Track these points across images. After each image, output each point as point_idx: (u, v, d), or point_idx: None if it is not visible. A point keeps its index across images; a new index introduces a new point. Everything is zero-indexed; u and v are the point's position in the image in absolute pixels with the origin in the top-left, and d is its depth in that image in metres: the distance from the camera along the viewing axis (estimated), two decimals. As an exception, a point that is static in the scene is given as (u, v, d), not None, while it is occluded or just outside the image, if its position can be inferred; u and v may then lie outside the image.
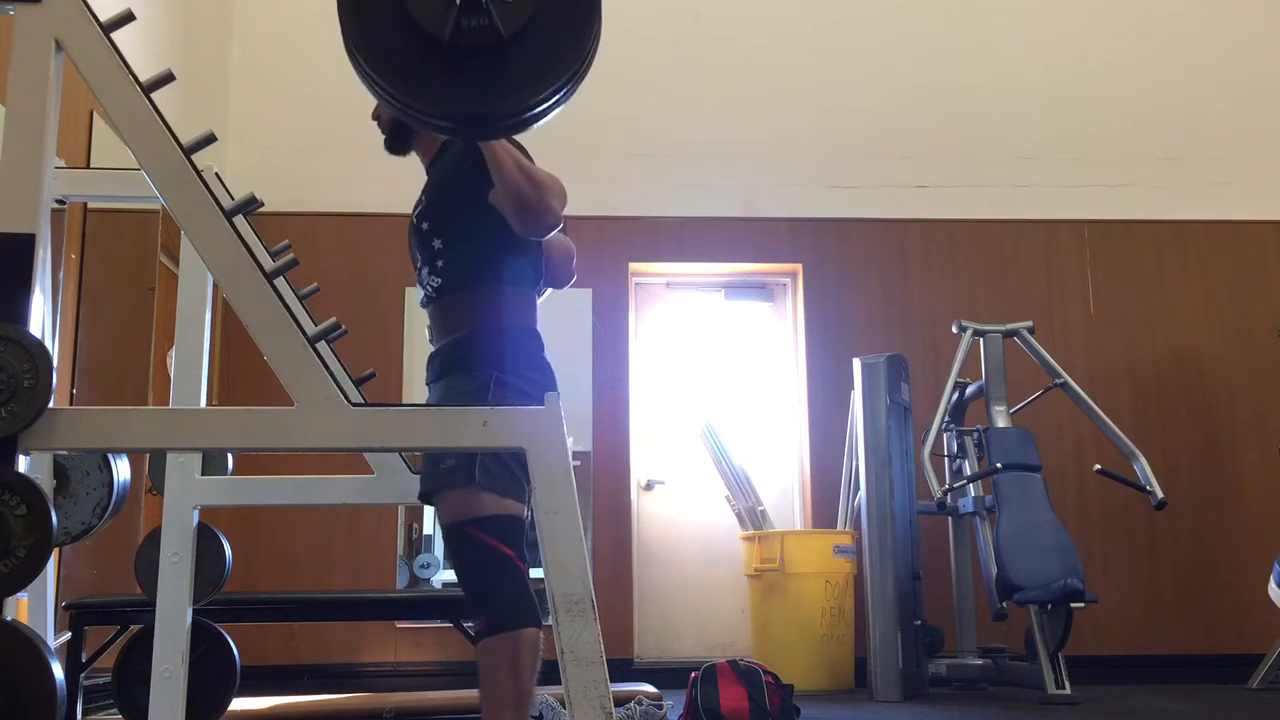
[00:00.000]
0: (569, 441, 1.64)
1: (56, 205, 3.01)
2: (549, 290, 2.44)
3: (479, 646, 2.07)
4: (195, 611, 2.64)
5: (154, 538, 2.66)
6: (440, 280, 2.27)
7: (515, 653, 2.03)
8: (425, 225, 2.29)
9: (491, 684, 2.03)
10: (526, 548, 2.11)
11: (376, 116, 2.40)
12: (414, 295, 5.67)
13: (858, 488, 5.24)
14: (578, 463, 5.22)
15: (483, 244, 2.24)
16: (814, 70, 6.16)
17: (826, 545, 5.26)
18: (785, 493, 5.97)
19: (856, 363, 5.23)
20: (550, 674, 1.77)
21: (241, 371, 5.33)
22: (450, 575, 5.18)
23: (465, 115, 1.54)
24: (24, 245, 1.52)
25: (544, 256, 2.37)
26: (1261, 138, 6.20)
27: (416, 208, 2.35)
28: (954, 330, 5.43)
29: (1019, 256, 6.03)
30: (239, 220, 1.69)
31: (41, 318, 1.57)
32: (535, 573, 1.86)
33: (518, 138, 2.14)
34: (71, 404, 3.83)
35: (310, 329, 1.64)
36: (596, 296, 5.80)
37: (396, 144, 2.39)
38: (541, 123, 1.56)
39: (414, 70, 1.49)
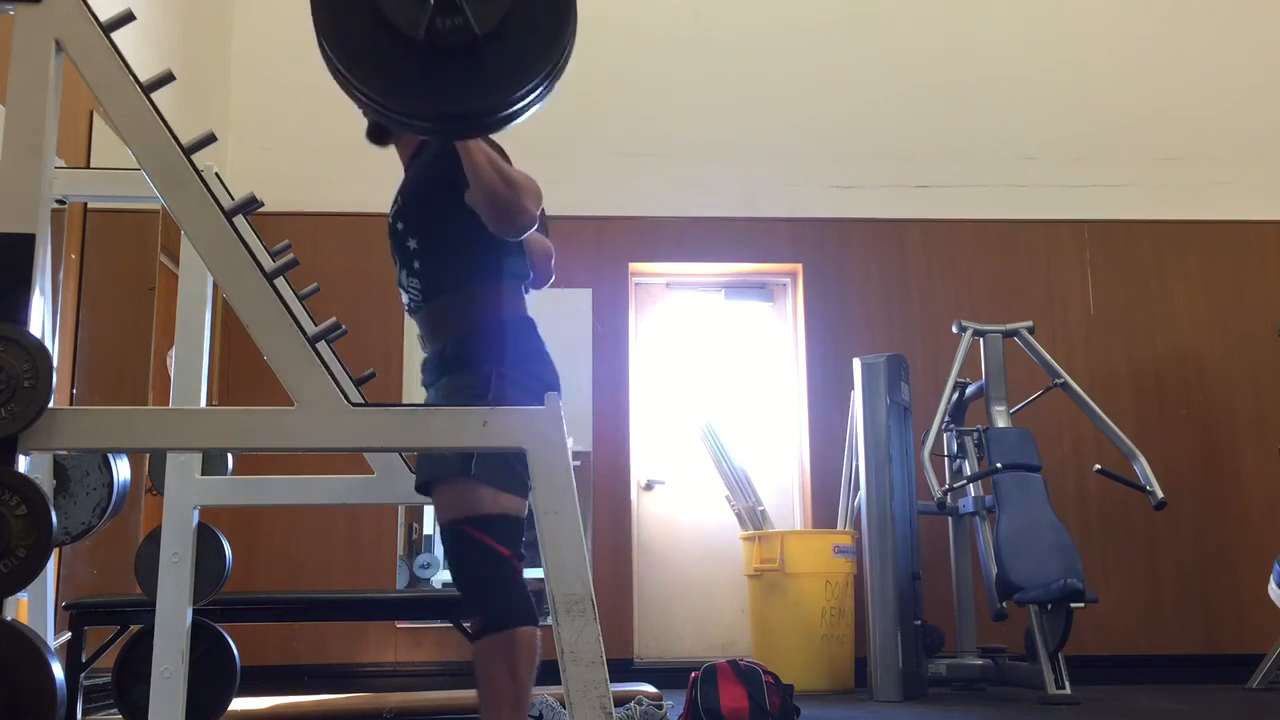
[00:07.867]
0: (569, 441, 1.64)
1: (56, 205, 3.01)
2: (531, 291, 2.42)
3: (475, 645, 2.07)
4: (195, 611, 2.64)
5: (154, 538, 2.66)
6: (420, 282, 2.25)
7: (511, 651, 2.03)
8: (400, 225, 2.27)
9: (488, 683, 2.04)
10: (525, 547, 2.11)
11: None
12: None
13: (858, 488, 5.24)
14: (578, 463, 5.22)
15: (465, 244, 2.21)
16: (814, 70, 6.16)
17: (826, 545, 5.26)
18: (785, 493, 5.97)
19: (856, 363, 5.23)
20: (550, 674, 1.77)
21: (241, 371, 5.33)
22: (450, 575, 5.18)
23: (441, 114, 1.53)
24: (24, 245, 1.52)
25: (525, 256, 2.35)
26: (1261, 138, 6.20)
27: (393, 207, 2.33)
28: (954, 330, 5.43)
29: (1019, 256, 6.03)
30: (239, 220, 1.69)
31: (41, 318, 1.57)
32: (536, 573, 1.86)
33: (495, 137, 2.13)
34: (71, 404, 3.83)
35: (310, 329, 1.64)
36: (596, 296, 5.80)
37: (378, 133, 2.35)
38: (518, 121, 1.56)
39: (388, 69, 1.47)
